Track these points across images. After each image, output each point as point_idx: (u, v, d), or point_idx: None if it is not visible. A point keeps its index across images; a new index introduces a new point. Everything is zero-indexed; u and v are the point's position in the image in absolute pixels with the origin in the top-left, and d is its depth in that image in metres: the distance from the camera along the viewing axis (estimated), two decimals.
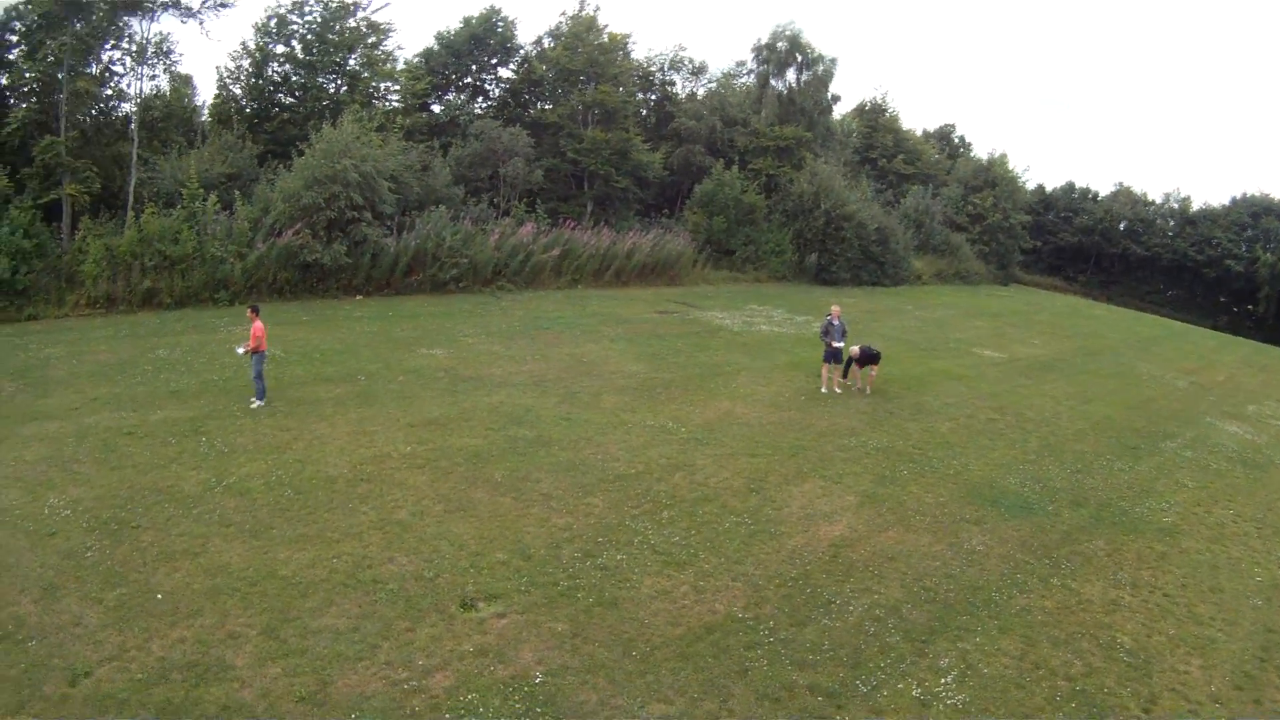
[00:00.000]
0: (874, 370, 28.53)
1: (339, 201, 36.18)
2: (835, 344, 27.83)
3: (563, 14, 58.34)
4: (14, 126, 40.00)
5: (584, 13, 56.30)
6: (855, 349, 28.37)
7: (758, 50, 65.75)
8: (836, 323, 27.86)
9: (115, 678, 12.08)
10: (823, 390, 28.05)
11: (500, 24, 55.47)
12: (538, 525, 16.71)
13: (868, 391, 28.34)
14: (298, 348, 28.38)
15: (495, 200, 47.90)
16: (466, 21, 55.33)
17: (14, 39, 44.97)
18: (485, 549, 15.45)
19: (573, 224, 47.76)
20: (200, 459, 19.24)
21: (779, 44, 64.34)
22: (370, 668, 12.14)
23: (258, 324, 22.88)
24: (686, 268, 51.37)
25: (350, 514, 16.65)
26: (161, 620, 13.28)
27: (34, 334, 32.04)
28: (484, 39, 54.92)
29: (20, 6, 43.07)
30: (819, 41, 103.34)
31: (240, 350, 23.65)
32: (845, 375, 28.76)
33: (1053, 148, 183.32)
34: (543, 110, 56.67)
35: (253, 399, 22.94)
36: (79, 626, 13.28)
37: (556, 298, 41.56)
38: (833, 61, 65.11)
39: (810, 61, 64.50)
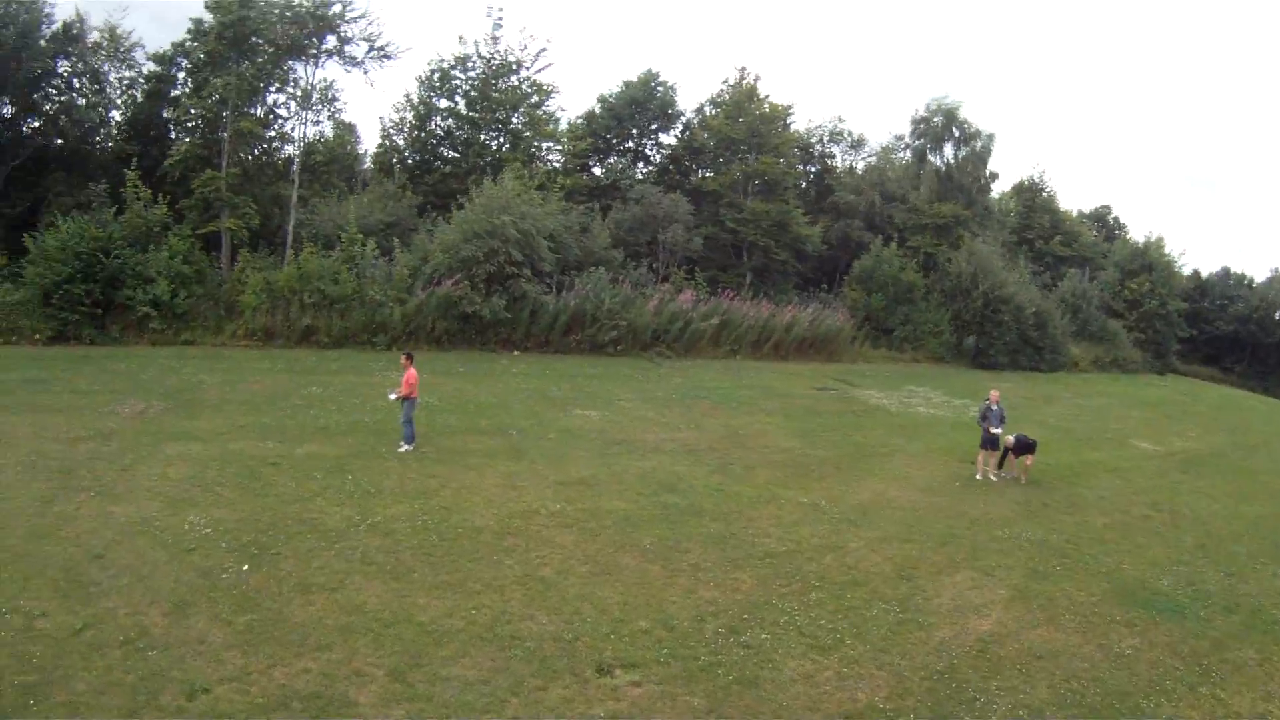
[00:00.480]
0: (1030, 459, 27.43)
1: (498, 256, 36.47)
2: (994, 430, 26.86)
3: (724, 82, 58.74)
4: (177, 159, 41.82)
5: (744, 82, 56.46)
6: (1010, 438, 27.38)
7: (915, 124, 64.87)
8: (995, 408, 26.90)
9: (234, 698, 12.15)
10: (978, 477, 26.99)
11: (659, 89, 55.93)
12: (683, 596, 16.21)
13: (1023, 481, 27.19)
14: (452, 397, 28.59)
15: (654, 266, 47.95)
16: (626, 85, 55.96)
17: (180, 75, 47.08)
18: (628, 615, 15.02)
19: (731, 294, 47.42)
20: (345, 496, 19.48)
21: (935, 118, 63.44)
22: None
23: (411, 371, 23.06)
24: (844, 344, 50.62)
25: (494, 566, 16.45)
26: (289, 649, 13.32)
27: (190, 359, 33.34)
28: (644, 103, 55.40)
29: (187, 44, 45.05)
30: (976, 117, 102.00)
31: (392, 396, 23.82)
32: (1000, 465, 27.77)
33: (1204, 230, 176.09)
34: (704, 178, 56.80)
35: (401, 443, 23.04)
36: (203, 644, 13.48)
37: (714, 367, 41.24)
38: (990, 137, 63.84)
39: (967, 137, 63.40)
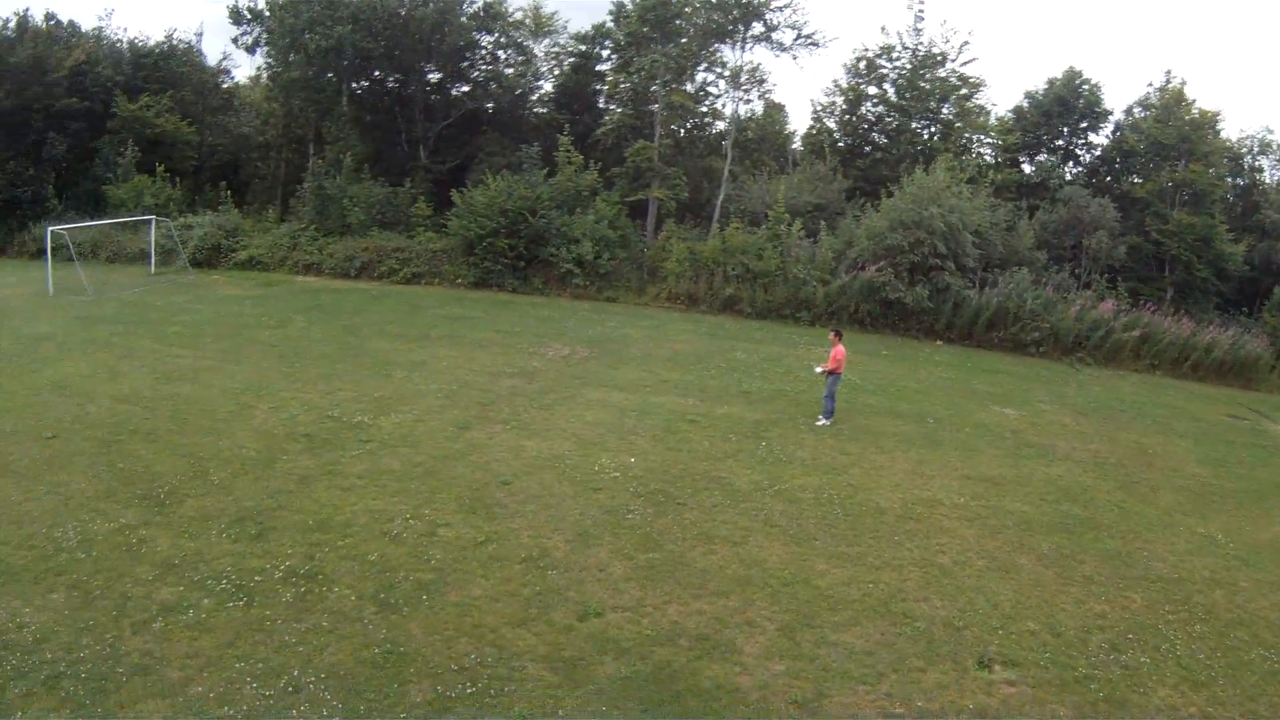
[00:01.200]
0: None
1: (923, 247, 36.04)
2: None
3: (1149, 85, 55.46)
4: (609, 128, 43.87)
5: (1171, 85, 53.01)
6: None
7: None
8: None
9: (624, 626, 13.01)
10: None
11: (1084, 87, 53.39)
12: (1074, 605, 15.49)
13: None
14: (874, 379, 28.52)
15: (1076, 271, 46.08)
16: (1050, 83, 53.88)
17: (603, 53, 49.41)
18: (1017, 614, 14.57)
19: (1152, 307, 44.92)
20: (756, 461, 19.90)
21: None
22: (869, 693, 11.95)
23: (840, 348, 23.15)
24: (1263, 373, 46.75)
25: (893, 546, 16.37)
26: (686, 590, 13.99)
27: (612, 313, 35.13)
28: (1070, 102, 53.17)
29: (606, 26, 47.39)
30: None
31: (819, 369, 24.01)
32: None
33: None
34: (1132, 184, 53.94)
35: (820, 417, 23.23)
36: (603, 572, 14.53)
37: (1132, 380, 38.99)
38: None
39: None
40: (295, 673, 12.03)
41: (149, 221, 47.50)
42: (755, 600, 13.81)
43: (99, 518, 16.70)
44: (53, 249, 42.21)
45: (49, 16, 60.56)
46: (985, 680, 12.65)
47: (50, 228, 43.34)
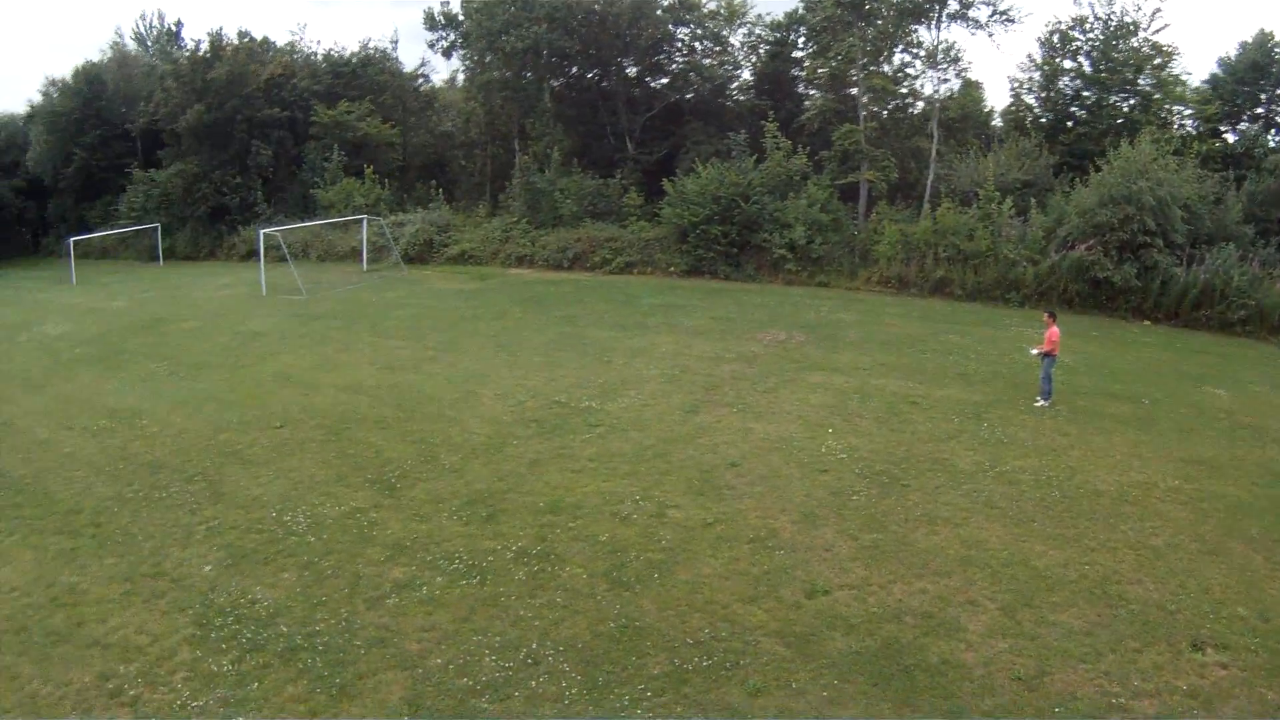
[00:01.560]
0: None
1: (1131, 224, 35.33)
2: None
3: None
4: (813, 113, 44.27)
5: None
6: None
7: None
8: None
9: (850, 604, 13.43)
10: None
11: (1277, 50, 50.99)
12: None
13: None
14: (1085, 360, 28.14)
15: None
16: (1243, 46, 51.63)
17: (799, 40, 49.94)
18: (1228, 599, 14.42)
19: None
20: (978, 442, 20.13)
21: None
22: (1088, 673, 12.13)
23: (1054, 329, 23.03)
24: None
25: (1109, 529, 16.37)
26: (909, 569, 14.40)
27: (825, 298, 35.63)
28: (1264, 66, 50.85)
29: (799, 13, 47.73)
30: None
31: (1034, 351, 23.96)
32: None
33: None
34: None
35: (1038, 398, 23.23)
36: (829, 552, 14.98)
37: None
38: None
39: None
40: (533, 645, 12.71)
41: (361, 220, 49.85)
42: (976, 580, 14.13)
43: (329, 501, 17.79)
44: (264, 250, 44.63)
45: (243, 34, 64.56)
46: (1199, 663, 12.62)
47: (263, 230, 46.00)
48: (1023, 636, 12.73)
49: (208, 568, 15.51)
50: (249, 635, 13.36)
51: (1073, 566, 14.77)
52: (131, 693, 12.16)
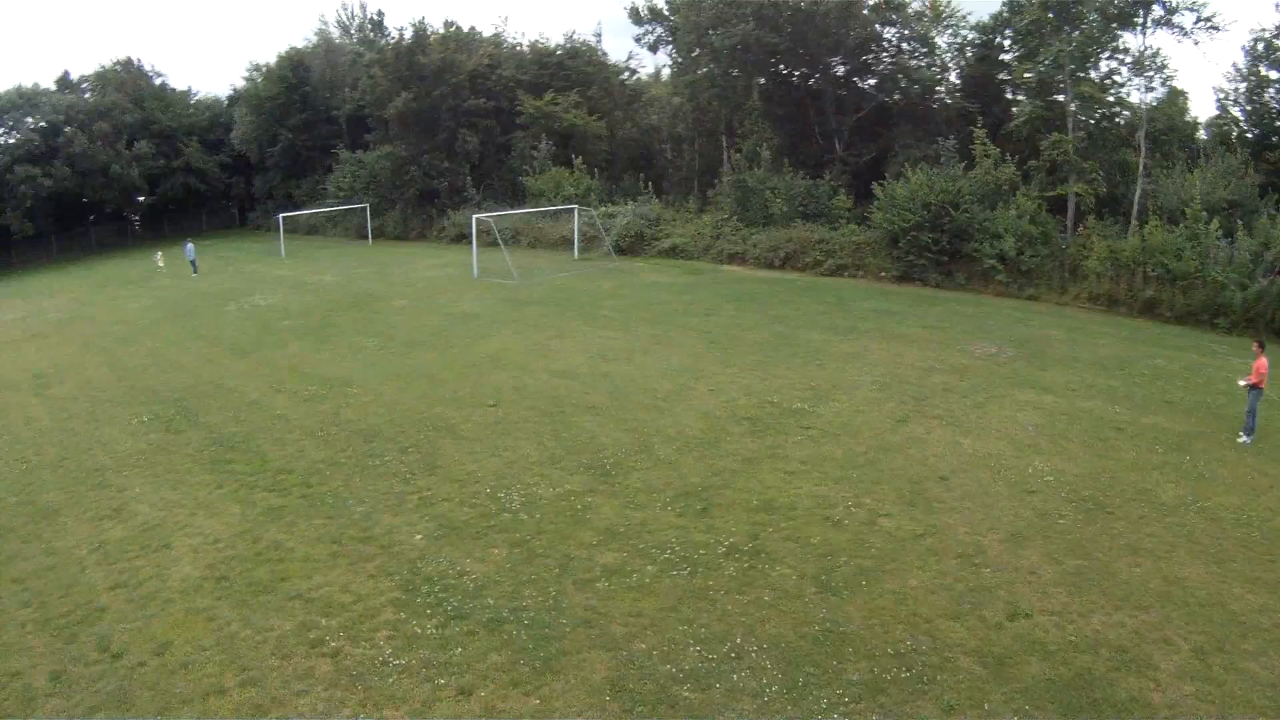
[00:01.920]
0: None
1: None
2: None
3: None
4: (1022, 120, 43.57)
5: None
6: None
7: None
8: None
9: (1050, 629, 13.37)
10: None
11: None
12: None
13: None
14: None
15: None
16: None
17: (1006, 42, 49.65)
18: None
19: None
20: (1181, 474, 19.47)
21: None
22: None
23: (1263, 360, 21.74)
24: None
25: None
26: (1109, 599, 14.22)
27: (1034, 313, 35.15)
28: None
29: (1004, 14, 47.32)
30: None
31: (1241, 383, 22.56)
32: None
33: None
34: None
35: (1241, 434, 21.87)
36: (1034, 575, 14.97)
37: None
38: None
39: None
40: (738, 640, 13.12)
41: (572, 210, 51.33)
42: (1173, 618, 13.75)
43: (544, 482, 18.84)
44: (475, 234, 46.41)
45: (448, 24, 67.05)
46: None
47: (475, 215, 47.95)
48: (1211, 681, 12.35)
49: (418, 537, 16.74)
50: (455, 604, 14.28)
51: (1268, 613, 14.16)
52: (333, 644, 13.35)
